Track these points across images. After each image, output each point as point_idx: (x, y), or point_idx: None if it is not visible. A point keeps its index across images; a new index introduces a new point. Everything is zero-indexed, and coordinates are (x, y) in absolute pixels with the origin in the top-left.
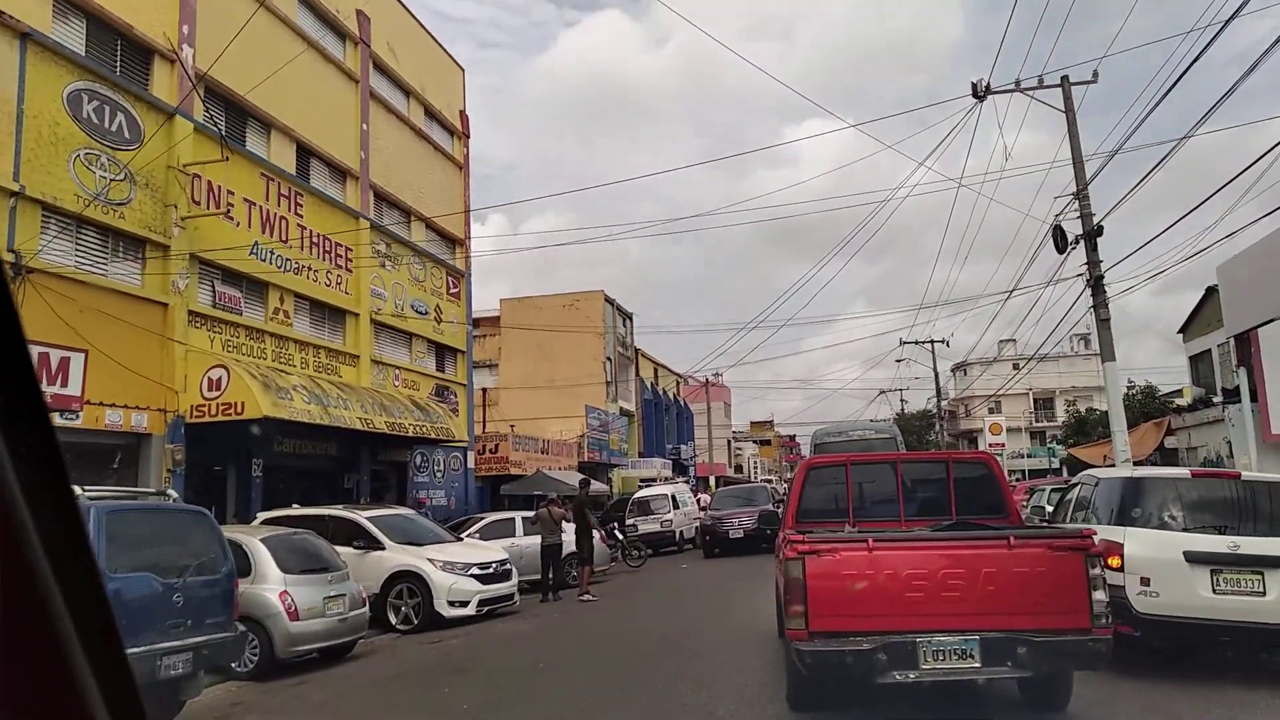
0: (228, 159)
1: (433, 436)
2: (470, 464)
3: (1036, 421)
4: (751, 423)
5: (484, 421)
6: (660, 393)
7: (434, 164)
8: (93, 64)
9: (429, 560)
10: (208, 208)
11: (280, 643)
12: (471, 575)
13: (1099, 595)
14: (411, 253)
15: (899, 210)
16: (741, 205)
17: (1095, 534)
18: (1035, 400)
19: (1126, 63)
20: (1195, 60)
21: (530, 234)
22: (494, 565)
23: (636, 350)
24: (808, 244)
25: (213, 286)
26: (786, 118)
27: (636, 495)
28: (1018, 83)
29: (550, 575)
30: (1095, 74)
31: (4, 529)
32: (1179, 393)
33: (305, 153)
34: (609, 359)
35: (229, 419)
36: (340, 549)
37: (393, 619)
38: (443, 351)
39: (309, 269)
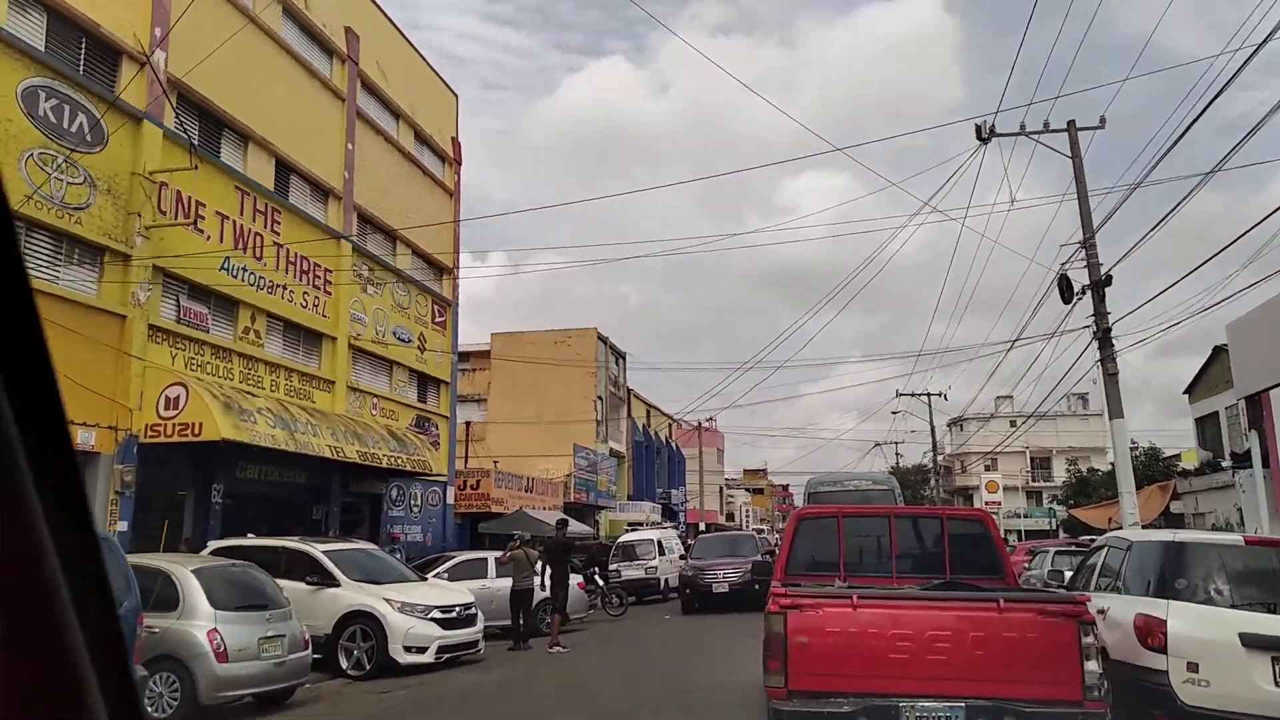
0: (196, 167)
1: (409, 469)
2: (450, 499)
3: (1034, 480)
4: (745, 470)
5: (466, 457)
6: (652, 435)
7: (423, 189)
8: (52, 60)
9: (386, 600)
10: (175, 218)
11: (205, 686)
12: (432, 619)
13: (1091, 666)
14: (395, 278)
15: (898, 261)
16: (734, 242)
17: (1089, 600)
18: (1032, 459)
19: (1130, 122)
20: (1203, 112)
21: (519, 265)
22: (457, 609)
23: (629, 390)
24: (809, 293)
25: (178, 301)
26: (785, 168)
27: (621, 539)
28: (1023, 126)
29: (520, 622)
30: (1103, 120)
31: (23, 534)
32: (1177, 457)
33: (285, 168)
34: (600, 398)
35: (185, 440)
36: (292, 584)
37: (344, 663)
38: (425, 382)
39: (284, 288)
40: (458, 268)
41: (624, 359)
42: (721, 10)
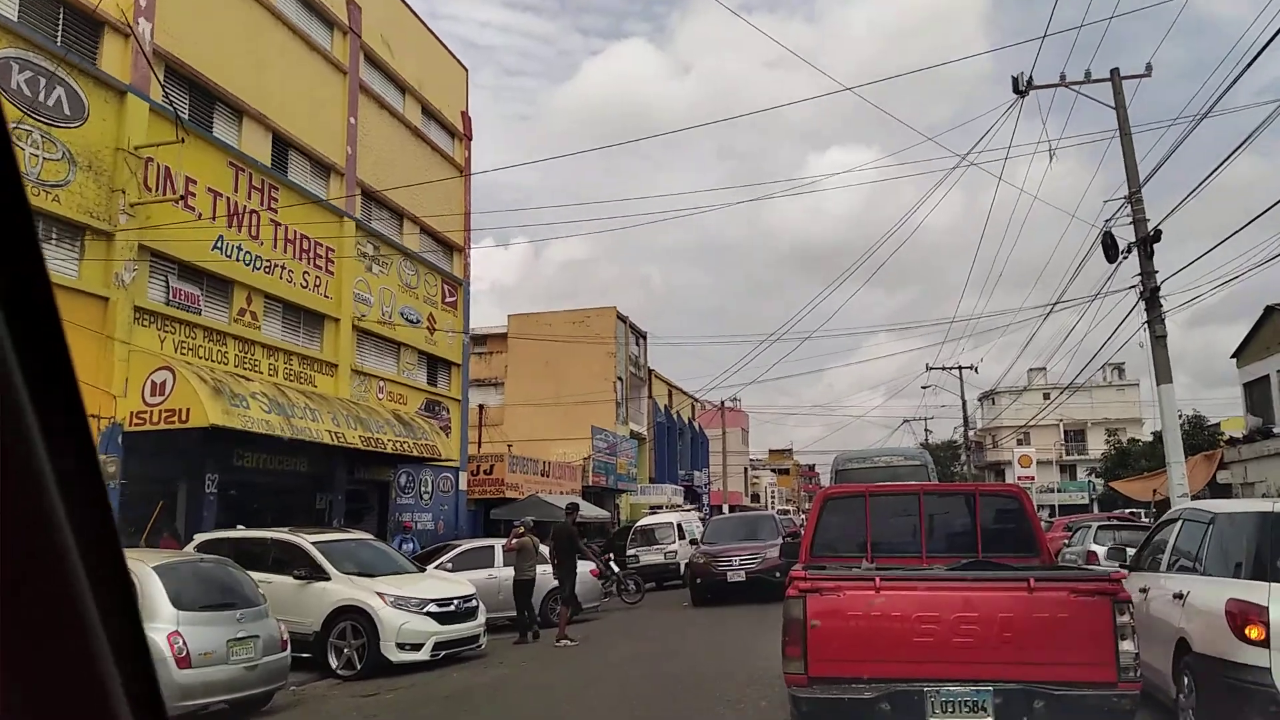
0: (183, 140)
1: (415, 454)
2: (462, 485)
3: (1068, 454)
4: (770, 451)
5: (480, 441)
6: (674, 416)
7: (431, 165)
8: (26, 31)
9: (378, 595)
10: (163, 194)
11: (164, 696)
12: (428, 613)
13: (1127, 646)
14: (403, 257)
15: (928, 236)
16: (760, 222)
17: (1125, 577)
18: (1066, 432)
19: (1168, 86)
20: (1245, 70)
21: (537, 239)
22: (456, 602)
23: (650, 371)
24: (836, 272)
25: (166, 281)
26: (808, 144)
27: (639, 523)
28: (1062, 76)
29: (525, 613)
30: (1149, 67)
31: (46, 534)
32: (1216, 425)
33: (283, 143)
34: (620, 379)
35: (173, 427)
36: (280, 578)
37: (333, 662)
38: (435, 364)
39: (283, 268)
40: (469, 246)
41: (645, 338)
42: None
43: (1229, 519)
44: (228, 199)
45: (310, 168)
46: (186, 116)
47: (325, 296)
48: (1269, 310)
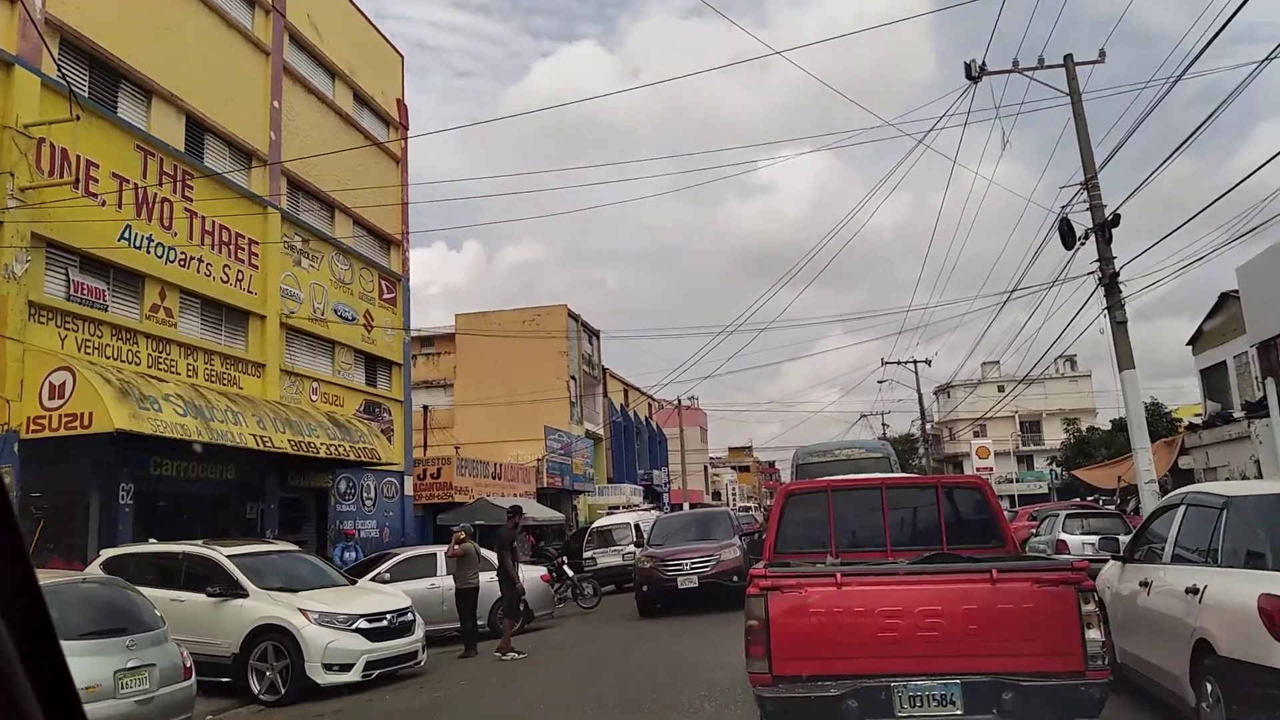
0: (78, 118)
1: (353, 458)
2: (408, 490)
3: (1024, 445)
4: (730, 448)
5: (425, 445)
6: (632, 415)
7: (365, 155)
8: None
9: (301, 611)
10: (59, 177)
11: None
12: (357, 630)
13: (1093, 634)
14: (335, 250)
15: (878, 234)
16: (710, 232)
17: (1088, 566)
18: (1022, 423)
19: (1115, 78)
20: (1203, 51)
21: (475, 224)
22: (389, 616)
23: (604, 370)
24: (788, 273)
25: (67, 274)
26: (758, 148)
27: (595, 524)
28: (1015, 62)
29: (470, 624)
30: (1102, 53)
31: None
32: (1170, 413)
33: (198, 127)
34: (573, 378)
35: (74, 433)
36: (192, 596)
37: (255, 687)
38: (375, 364)
39: (200, 261)
40: (407, 240)
41: (598, 336)
42: None
43: (1248, 504)
44: (135, 185)
45: (230, 154)
46: (86, 94)
47: (249, 292)
48: (1223, 297)
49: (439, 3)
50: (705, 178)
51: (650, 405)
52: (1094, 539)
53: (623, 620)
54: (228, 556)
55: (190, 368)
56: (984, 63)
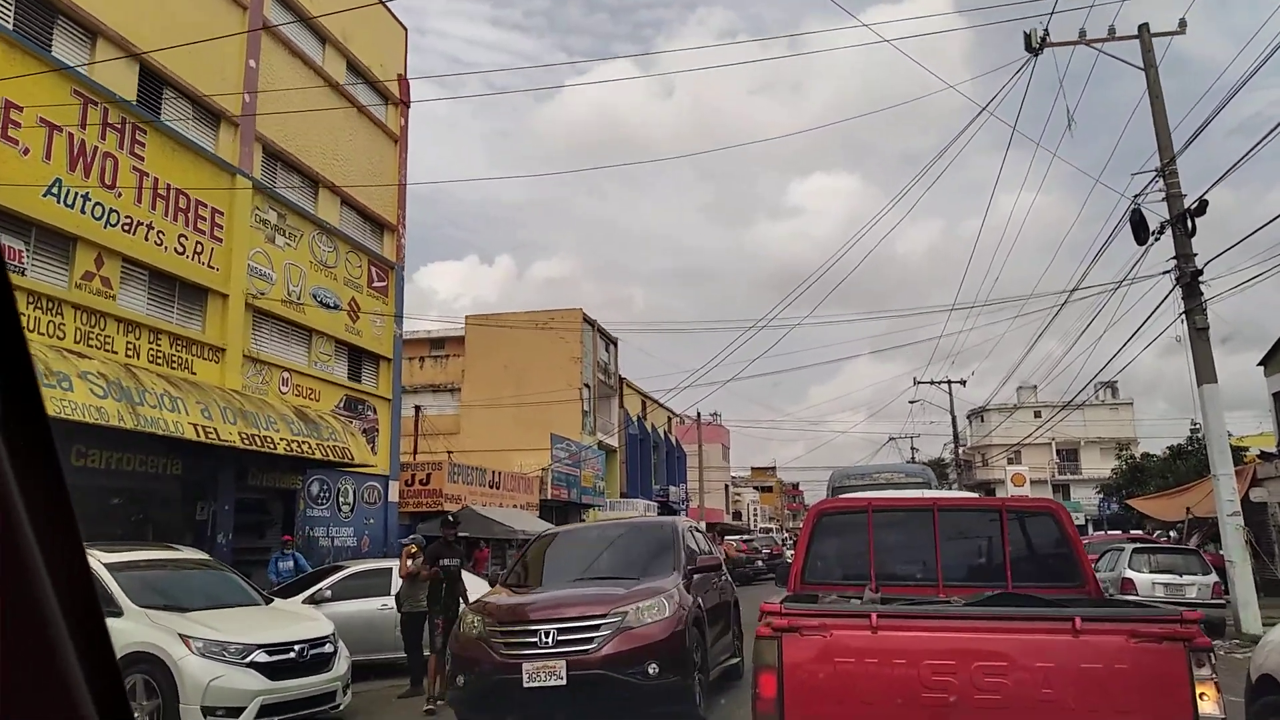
0: None
1: (319, 457)
2: (393, 496)
3: (1060, 473)
4: (753, 468)
5: (415, 450)
6: (650, 429)
7: (358, 131)
8: None
9: (182, 638)
10: None
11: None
12: (252, 664)
13: (1208, 709)
14: (317, 230)
15: (911, 259)
16: (740, 251)
17: (1202, 616)
18: (1059, 451)
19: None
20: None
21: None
22: (299, 647)
23: (621, 379)
24: (819, 293)
25: None
26: (789, 170)
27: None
28: (1082, 33)
29: (415, 657)
30: (1183, 22)
31: (9, 531)
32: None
33: (154, 78)
34: (587, 385)
35: None
36: None
37: None
38: (360, 356)
39: (150, 228)
40: (403, 225)
41: (615, 344)
42: (727, 14)
43: None
44: (71, 135)
45: (194, 112)
46: (10, 25)
47: (210, 267)
48: None
49: (477, 20)
50: (738, 199)
51: (670, 419)
52: (1165, 578)
53: None
54: (106, 565)
55: (131, 346)
56: (1045, 32)
